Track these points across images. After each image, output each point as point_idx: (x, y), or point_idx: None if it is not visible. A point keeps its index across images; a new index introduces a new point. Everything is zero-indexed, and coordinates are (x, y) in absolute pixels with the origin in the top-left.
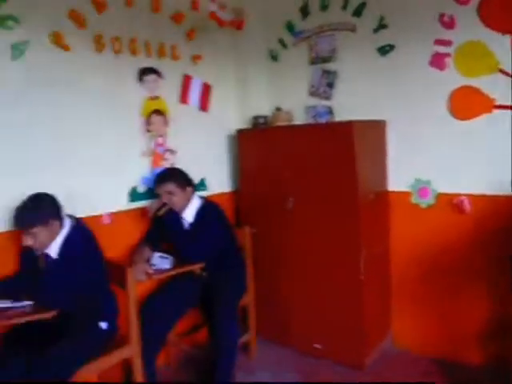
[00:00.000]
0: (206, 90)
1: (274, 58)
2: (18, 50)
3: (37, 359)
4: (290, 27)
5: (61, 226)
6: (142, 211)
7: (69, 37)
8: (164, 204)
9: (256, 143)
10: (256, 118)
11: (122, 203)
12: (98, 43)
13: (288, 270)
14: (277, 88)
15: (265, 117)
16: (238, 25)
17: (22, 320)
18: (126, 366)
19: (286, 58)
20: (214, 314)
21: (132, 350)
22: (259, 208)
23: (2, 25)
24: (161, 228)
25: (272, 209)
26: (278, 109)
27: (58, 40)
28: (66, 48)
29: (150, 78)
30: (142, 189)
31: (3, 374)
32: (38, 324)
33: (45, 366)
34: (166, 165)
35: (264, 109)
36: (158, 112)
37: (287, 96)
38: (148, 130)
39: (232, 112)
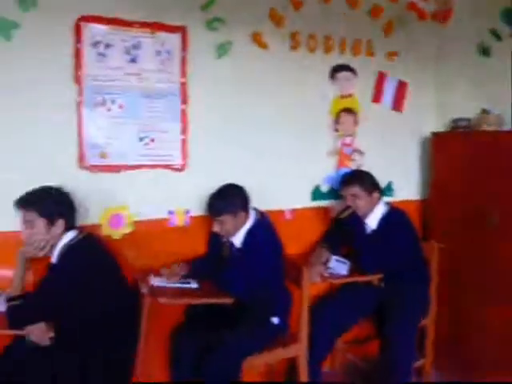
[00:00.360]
0: (402, 88)
1: (485, 52)
2: (222, 49)
3: (214, 344)
4: (507, 16)
5: (247, 217)
6: (324, 211)
7: (267, 35)
8: (348, 207)
9: (455, 149)
10: (456, 120)
11: (305, 200)
12: (294, 41)
13: (483, 299)
14: (483, 87)
15: (468, 119)
16: (443, 16)
17: (209, 301)
18: (290, 363)
19: (499, 52)
20: (390, 331)
21: (300, 349)
22: (451, 221)
23: (209, 26)
24: (341, 231)
25: (468, 224)
26: (485, 111)
27: (257, 39)
28: (263, 46)
29: (343, 75)
30: (325, 188)
31: (185, 351)
32: (215, 308)
33: (221, 351)
34: (353, 166)
35: (466, 111)
36: (349, 111)
37: (495, 96)
38: (336, 129)
39: (428, 113)
